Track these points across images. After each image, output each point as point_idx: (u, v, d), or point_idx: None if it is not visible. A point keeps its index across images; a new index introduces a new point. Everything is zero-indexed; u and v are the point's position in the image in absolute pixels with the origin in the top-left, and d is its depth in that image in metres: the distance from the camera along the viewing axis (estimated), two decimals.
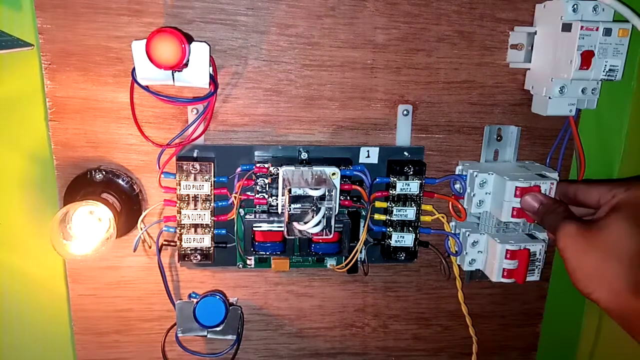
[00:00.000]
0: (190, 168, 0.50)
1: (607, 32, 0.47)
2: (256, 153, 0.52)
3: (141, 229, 0.52)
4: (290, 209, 0.46)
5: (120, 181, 0.52)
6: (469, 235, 0.54)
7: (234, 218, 0.52)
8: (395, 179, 0.53)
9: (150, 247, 0.54)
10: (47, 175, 0.53)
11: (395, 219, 0.54)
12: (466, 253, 0.55)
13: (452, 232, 0.56)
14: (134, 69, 0.46)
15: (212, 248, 0.52)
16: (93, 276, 0.55)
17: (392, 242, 0.54)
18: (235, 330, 0.55)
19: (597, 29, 0.47)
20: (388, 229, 0.54)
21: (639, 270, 0.39)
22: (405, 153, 0.54)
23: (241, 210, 0.52)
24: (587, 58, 0.47)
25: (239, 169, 0.51)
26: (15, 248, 0.55)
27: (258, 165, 0.50)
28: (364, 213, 0.53)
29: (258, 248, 0.52)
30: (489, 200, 0.53)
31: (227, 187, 0.51)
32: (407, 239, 0.54)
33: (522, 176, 0.51)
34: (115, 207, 0.50)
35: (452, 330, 0.63)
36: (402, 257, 0.55)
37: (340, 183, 0.50)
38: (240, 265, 0.56)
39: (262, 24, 0.50)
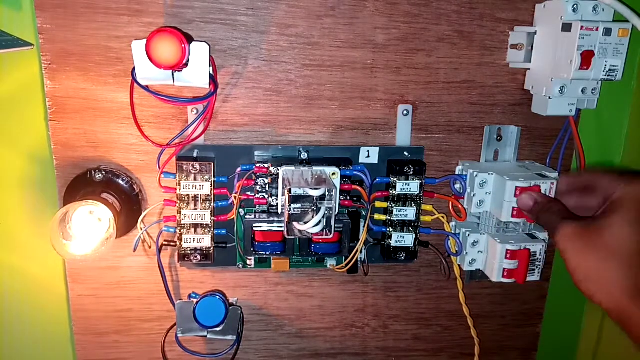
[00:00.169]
0: (190, 168, 0.50)
1: (607, 32, 0.47)
2: (256, 153, 0.52)
3: (141, 229, 0.52)
4: (290, 209, 0.46)
5: (120, 181, 0.52)
6: (469, 235, 0.54)
7: (234, 218, 0.52)
8: (395, 179, 0.53)
9: (150, 247, 0.54)
10: (47, 175, 0.53)
11: (395, 219, 0.54)
12: (466, 253, 0.55)
13: (452, 232, 0.56)
14: (134, 69, 0.46)
15: (212, 248, 0.52)
16: (93, 276, 0.55)
17: (392, 242, 0.54)
18: (235, 330, 0.55)
19: (597, 29, 0.47)
20: (388, 229, 0.54)
21: (638, 272, 0.38)
22: (405, 153, 0.54)
23: (241, 210, 0.52)
24: (587, 58, 0.47)
25: (239, 169, 0.51)
26: (15, 248, 0.55)
27: (258, 165, 0.50)
28: (364, 213, 0.53)
29: (258, 248, 0.52)
30: (489, 200, 0.53)
31: (227, 187, 0.51)
32: (407, 239, 0.54)
33: (522, 176, 0.51)
34: (115, 207, 0.50)
35: (452, 331, 0.63)
36: (402, 257, 0.55)
37: (340, 183, 0.50)
38: (240, 266, 0.56)
39: (262, 24, 0.50)
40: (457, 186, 0.55)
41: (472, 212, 0.54)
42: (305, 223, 0.46)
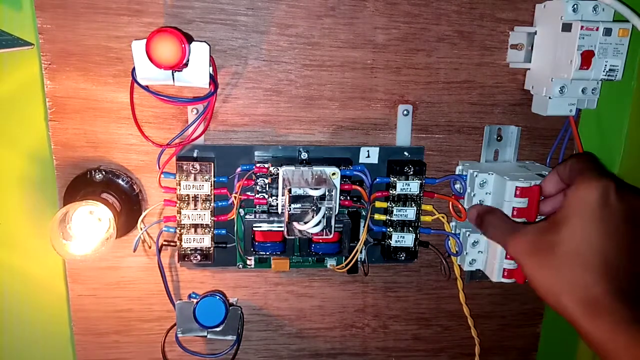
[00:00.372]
0: (190, 168, 0.50)
1: (607, 32, 0.47)
2: (256, 153, 0.52)
3: (141, 229, 0.52)
4: (290, 209, 0.46)
5: (120, 181, 0.52)
6: (469, 235, 0.54)
7: (234, 218, 0.52)
8: (395, 179, 0.53)
9: (150, 247, 0.54)
10: (47, 175, 0.53)
11: (395, 219, 0.54)
12: (466, 253, 0.55)
13: (453, 232, 0.56)
14: (134, 69, 0.46)
15: (212, 248, 0.52)
16: (93, 276, 0.55)
17: (392, 242, 0.54)
18: (235, 330, 0.55)
19: (597, 29, 0.47)
20: (388, 229, 0.54)
21: (588, 284, 0.36)
22: (405, 153, 0.54)
23: (241, 210, 0.52)
24: (587, 58, 0.47)
25: (239, 169, 0.51)
26: (15, 248, 0.55)
27: (258, 165, 0.50)
28: (364, 213, 0.53)
29: (258, 248, 0.52)
30: (489, 200, 0.53)
31: (227, 187, 0.51)
32: (407, 239, 0.54)
33: (522, 176, 0.51)
34: (115, 207, 0.50)
35: (452, 331, 0.63)
36: (402, 257, 0.55)
37: (340, 183, 0.50)
38: (240, 266, 0.56)
39: (262, 24, 0.50)
40: (457, 186, 0.55)
41: None
42: (305, 223, 0.46)
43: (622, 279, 0.36)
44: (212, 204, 0.51)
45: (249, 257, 0.55)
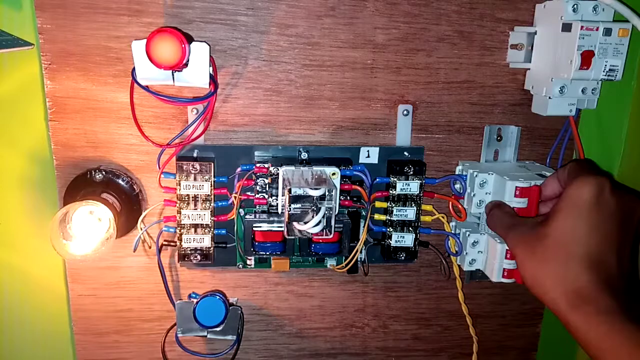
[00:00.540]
0: (190, 168, 0.50)
1: (607, 32, 0.47)
2: (256, 153, 0.52)
3: (141, 229, 0.52)
4: (290, 209, 0.46)
5: (120, 181, 0.52)
6: (469, 235, 0.54)
7: (234, 218, 0.52)
8: (395, 179, 0.53)
9: (150, 247, 0.54)
10: (47, 175, 0.53)
11: (395, 219, 0.54)
12: (466, 253, 0.55)
13: (452, 232, 0.56)
14: (134, 69, 0.46)
15: (212, 248, 0.52)
16: (93, 276, 0.55)
17: (392, 242, 0.54)
18: (235, 330, 0.55)
19: (597, 29, 0.47)
20: (388, 229, 0.54)
21: (574, 278, 0.37)
22: (405, 153, 0.54)
23: (241, 210, 0.52)
24: (587, 58, 0.47)
25: (239, 169, 0.51)
26: (15, 248, 0.55)
27: (258, 165, 0.50)
28: (364, 213, 0.53)
29: (258, 248, 0.52)
30: (489, 200, 0.53)
31: (227, 187, 0.51)
32: (407, 239, 0.54)
33: (522, 176, 0.51)
34: (115, 207, 0.50)
35: (452, 331, 0.63)
36: (402, 257, 0.55)
37: (340, 183, 0.50)
38: (240, 266, 0.56)
39: (262, 24, 0.50)
40: (457, 186, 0.55)
41: (472, 212, 0.54)
42: (305, 223, 0.46)
43: (606, 272, 0.37)
44: (212, 204, 0.51)
45: (249, 257, 0.55)
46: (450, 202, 0.56)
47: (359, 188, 0.52)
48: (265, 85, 0.52)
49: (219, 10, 0.50)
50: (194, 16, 0.49)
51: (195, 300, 0.53)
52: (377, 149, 0.54)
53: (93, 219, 0.50)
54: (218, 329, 0.53)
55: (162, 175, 0.50)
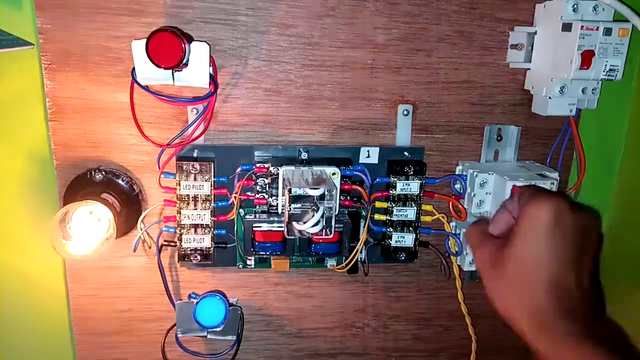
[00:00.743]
0: (190, 168, 0.50)
1: (607, 31, 0.47)
2: (256, 153, 0.52)
3: (141, 229, 0.52)
4: (290, 208, 0.46)
5: (120, 181, 0.52)
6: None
7: (234, 218, 0.52)
8: (395, 179, 0.53)
9: (150, 248, 0.54)
10: (47, 175, 0.53)
11: (395, 219, 0.54)
12: (466, 253, 0.55)
13: (453, 232, 0.56)
14: (134, 68, 0.46)
15: (212, 248, 0.52)
16: (93, 276, 0.55)
17: (393, 243, 0.54)
18: (235, 330, 0.55)
19: (597, 29, 0.47)
20: (388, 229, 0.54)
21: (535, 302, 0.37)
22: (406, 153, 0.54)
23: (241, 210, 0.52)
24: (587, 58, 0.47)
25: (239, 169, 0.51)
26: (15, 248, 0.55)
27: (258, 165, 0.50)
28: (364, 213, 0.53)
29: (258, 248, 0.52)
30: (489, 200, 0.53)
31: (227, 187, 0.51)
32: (407, 239, 0.54)
33: (523, 176, 0.51)
34: (115, 207, 0.50)
35: (452, 331, 0.63)
36: (403, 258, 0.55)
37: (341, 183, 0.50)
38: (240, 266, 0.55)
39: (262, 24, 0.50)
40: (457, 186, 0.55)
41: (472, 212, 0.54)
42: (305, 223, 0.46)
43: (568, 295, 0.37)
44: (212, 204, 0.51)
45: (249, 257, 0.55)
46: (451, 202, 0.56)
47: (359, 188, 0.52)
48: (265, 85, 0.52)
49: (219, 10, 0.50)
50: (194, 16, 0.49)
51: (195, 301, 0.53)
52: (377, 149, 0.54)
53: (93, 219, 0.50)
54: (218, 329, 0.53)
55: (162, 175, 0.50)
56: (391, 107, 0.54)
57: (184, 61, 0.44)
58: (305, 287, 0.59)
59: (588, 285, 0.38)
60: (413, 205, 0.53)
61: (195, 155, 0.52)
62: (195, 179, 0.50)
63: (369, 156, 0.54)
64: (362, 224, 0.54)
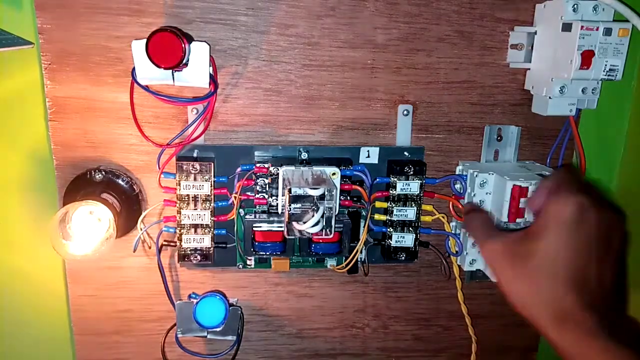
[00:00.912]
0: (190, 168, 0.50)
1: (607, 31, 0.47)
2: (256, 153, 0.52)
3: (141, 229, 0.52)
4: (290, 208, 0.46)
5: (120, 181, 0.52)
6: (469, 235, 0.54)
7: (234, 218, 0.52)
8: (395, 179, 0.53)
9: (150, 248, 0.54)
10: (47, 175, 0.53)
11: (395, 219, 0.53)
12: (466, 253, 0.55)
13: (453, 232, 0.56)
14: (134, 68, 0.46)
15: (212, 248, 0.52)
16: (93, 276, 0.55)
17: (393, 243, 0.54)
18: (235, 330, 0.55)
19: (597, 29, 0.47)
20: (388, 229, 0.54)
21: (559, 298, 0.37)
22: (406, 153, 0.54)
23: (241, 210, 0.52)
24: (587, 58, 0.47)
25: (239, 169, 0.51)
26: (15, 248, 0.55)
27: (258, 165, 0.50)
28: (364, 213, 0.53)
29: (258, 248, 0.52)
30: (490, 200, 0.53)
31: (227, 187, 0.51)
32: (407, 239, 0.54)
33: (523, 176, 0.51)
34: (115, 207, 0.50)
35: (452, 331, 0.63)
36: (403, 258, 0.55)
37: (341, 183, 0.50)
38: (240, 266, 0.55)
39: (262, 24, 0.50)
40: (457, 186, 0.55)
41: None
42: (305, 223, 0.46)
43: (590, 292, 0.37)
44: (212, 204, 0.51)
45: (249, 257, 0.55)
46: (451, 202, 0.56)
47: (359, 188, 0.52)
48: (265, 85, 0.52)
49: (219, 10, 0.50)
50: (194, 16, 0.49)
51: (195, 301, 0.53)
52: (377, 149, 0.54)
53: (93, 219, 0.50)
54: (218, 329, 0.53)
55: (162, 175, 0.50)
56: (391, 107, 0.54)
57: (184, 61, 0.44)
58: (305, 287, 0.59)
59: (610, 284, 0.38)
60: (413, 205, 0.53)
61: (195, 155, 0.52)
62: (195, 179, 0.50)
63: (369, 156, 0.54)
64: (362, 224, 0.54)
